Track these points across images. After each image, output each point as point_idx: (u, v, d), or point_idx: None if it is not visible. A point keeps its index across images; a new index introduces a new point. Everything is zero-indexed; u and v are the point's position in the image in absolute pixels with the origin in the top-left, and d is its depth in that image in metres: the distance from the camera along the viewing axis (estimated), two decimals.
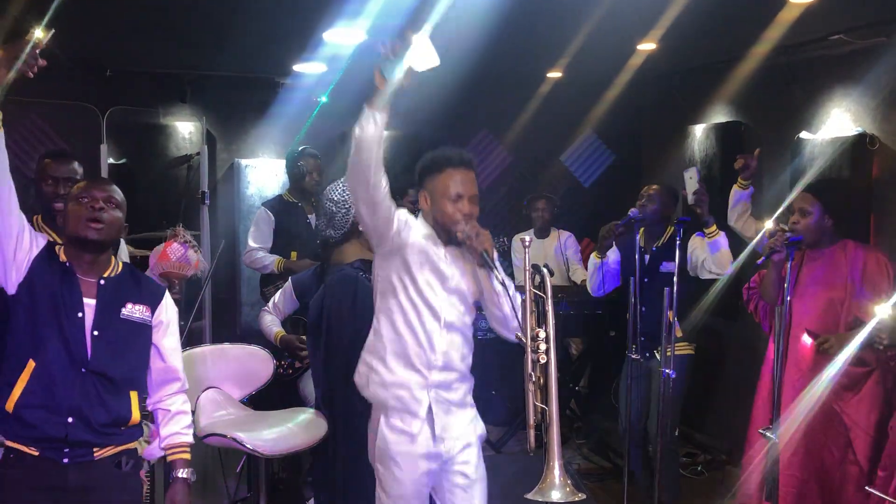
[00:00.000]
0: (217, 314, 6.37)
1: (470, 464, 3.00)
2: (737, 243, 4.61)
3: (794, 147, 5.10)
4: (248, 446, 3.72)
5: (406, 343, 2.92)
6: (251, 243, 5.37)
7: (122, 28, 4.85)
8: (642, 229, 4.56)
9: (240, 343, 4.66)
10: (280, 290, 4.93)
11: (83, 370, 2.66)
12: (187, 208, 5.94)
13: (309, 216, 5.44)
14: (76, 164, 3.70)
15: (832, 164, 4.72)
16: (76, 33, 5.01)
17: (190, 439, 2.99)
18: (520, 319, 2.83)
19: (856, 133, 4.63)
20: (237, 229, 6.45)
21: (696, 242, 4.47)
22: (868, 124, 4.63)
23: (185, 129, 6.42)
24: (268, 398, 4.51)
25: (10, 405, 2.61)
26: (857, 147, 4.60)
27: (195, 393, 4.06)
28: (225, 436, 3.75)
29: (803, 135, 5.04)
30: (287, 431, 3.94)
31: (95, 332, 2.70)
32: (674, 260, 4.18)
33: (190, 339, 4.60)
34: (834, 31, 4.57)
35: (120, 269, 2.85)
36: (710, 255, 4.39)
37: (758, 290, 4.13)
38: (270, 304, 4.90)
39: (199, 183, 6.15)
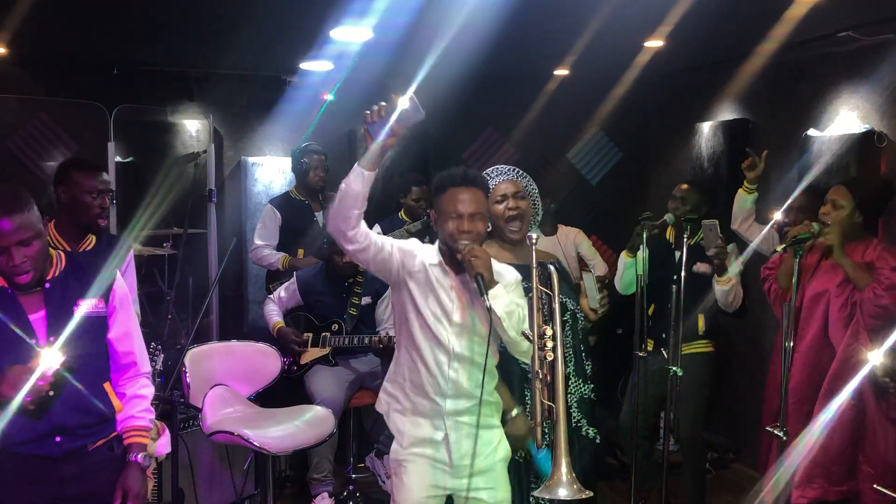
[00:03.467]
0: (224, 311, 6.39)
1: (483, 490, 2.95)
2: (739, 242, 4.62)
3: (801, 144, 5.09)
4: (256, 443, 3.74)
5: (420, 373, 2.92)
6: (257, 241, 5.39)
7: (129, 26, 4.86)
8: (669, 228, 4.54)
9: (247, 340, 4.68)
10: (285, 285, 4.98)
11: (50, 393, 2.55)
12: (194, 206, 5.95)
13: (316, 214, 5.44)
14: (107, 175, 3.71)
15: (839, 162, 4.72)
16: (83, 32, 5.03)
17: (146, 423, 2.91)
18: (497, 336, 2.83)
19: (863, 130, 4.62)
20: (244, 227, 6.45)
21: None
22: (876, 121, 4.61)
23: (192, 127, 6.43)
24: (275, 395, 4.52)
25: None
26: (865, 144, 4.59)
27: (203, 390, 4.08)
28: (232, 433, 3.77)
29: (811, 132, 5.02)
30: (294, 429, 3.96)
31: (52, 338, 2.60)
32: (706, 261, 4.17)
33: (197, 336, 4.61)
34: (841, 28, 4.55)
35: (64, 263, 2.74)
36: (718, 295, 4.37)
37: (775, 271, 4.12)
38: (275, 295, 4.96)
39: (206, 181, 6.16)
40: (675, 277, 4.34)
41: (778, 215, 4.24)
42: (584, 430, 3.23)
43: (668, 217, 4.44)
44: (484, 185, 2.98)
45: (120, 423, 2.86)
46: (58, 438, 2.62)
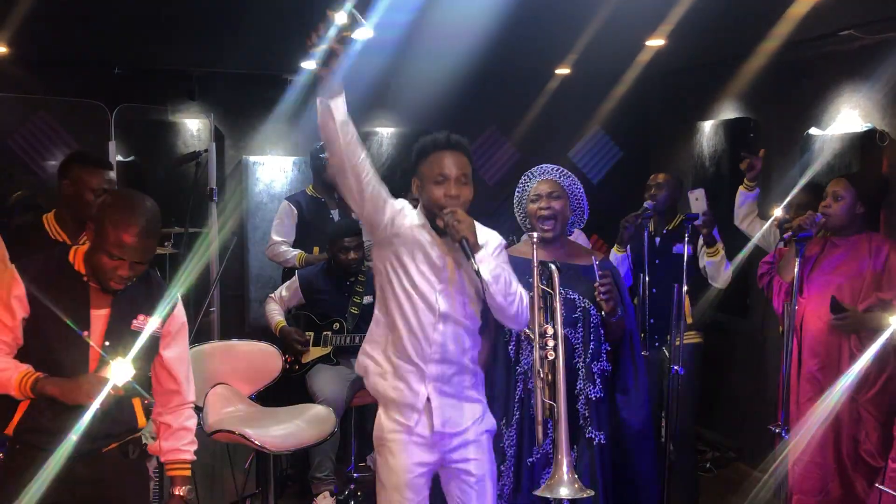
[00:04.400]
0: (225, 310, 6.38)
1: (472, 461, 2.92)
2: (742, 240, 4.62)
3: (803, 143, 5.08)
4: (257, 443, 3.74)
5: (402, 335, 2.86)
6: (274, 237, 5.39)
7: (130, 25, 4.86)
8: (653, 218, 4.59)
9: (248, 339, 4.68)
10: (286, 284, 4.98)
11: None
12: (195, 205, 5.95)
13: (332, 211, 5.43)
14: (112, 173, 3.68)
15: (841, 161, 4.71)
16: (84, 31, 5.03)
17: (191, 456, 2.91)
18: (494, 300, 2.78)
19: (865, 129, 4.61)
20: (245, 226, 6.46)
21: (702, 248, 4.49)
22: (877, 120, 4.61)
23: (194, 126, 6.43)
24: (276, 394, 4.52)
25: (9, 430, 2.59)
26: (867, 143, 4.58)
27: (204, 389, 4.08)
28: (233, 432, 3.76)
29: (812, 131, 5.02)
30: (295, 428, 3.95)
31: (107, 343, 2.64)
32: (684, 242, 4.20)
33: (198, 335, 4.61)
34: (843, 27, 4.55)
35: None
36: (708, 269, 4.44)
37: (775, 265, 4.13)
38: (277, 294, 4.96)
39: (208, 180, 6.16)
40: (656, 262, 4.45)
41: (778, 211, 4.25)
42: (587, 431, 3.20)
43: (647, 205, 4.49)
44: (467, 150, 2.90)
45: (165, 453, 2.87)
46: (74, 437, 2.59)
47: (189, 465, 2.91)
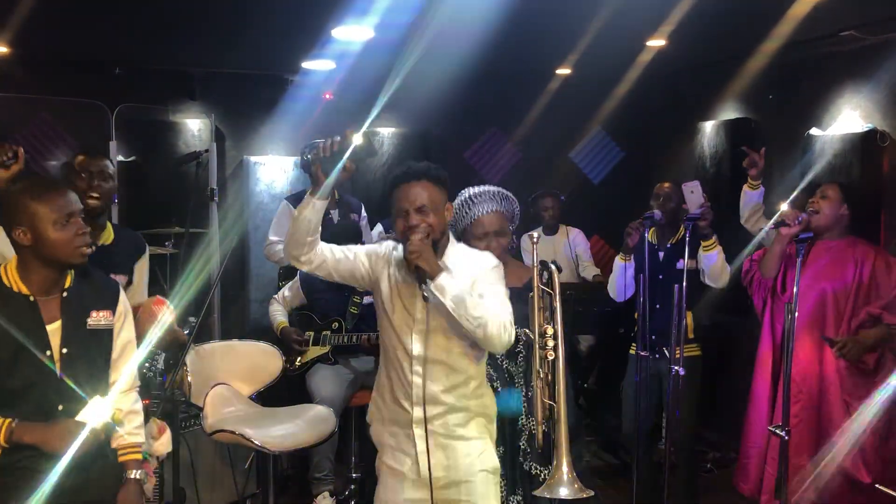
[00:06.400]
0: (225, 311, 6.38)
1: (461, 502, 2.85)
2: (744, 240, 4.60)
3: (804, 144, 5.08)
4: (257, 443, 3.74)
5: (391, 379, 2.88)
6: (271, 237, 5.39)
7: (130, 25, 4.86)
8: (653, 228, 4.54)
9: (249, 339, 4.68)
10: (289, 284, 4.99)
11: (59, 407, 2.57)
12: (196, 205, 5.95)
13: (332, 211, 5.42)
14: (108, 162, 3.66)
15: (842, 161, 4.71)
16: (85, 31, 5.03)
17: (142, 439, 2.88)
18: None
19: (866, 129, 4.61)
20: (246, 226, 6.46)
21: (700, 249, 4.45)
22: (878, 121, 4.60)
23: (194, 126, 6.43)
24: (277, 394, 4.52)
25: None
26: (868, 143, 4.59)
27: (204, 389, 4.08)
28: (233, 432, 3.77)
29: (813, 131, 5.02)
30: (295, 428, 3.96)
31: (64, 350, 2.58)
32: (690, 257, 4.18)
33: (199, 335, 4.59)
34: (844, 28, 4.55)
35: (75, 272, 2.67)
36: (707, 267, 4.36)
37: (759, 263, 4.17)
38: (280, 294, 4.97)
39: (208, 180, 6.16)
40: (660, 277, 4.35)
41: (784, 206, 4.23)
42: (528, 466, 3.17)
43: (656, 215, 4.44)
44: (436, 175, 2.85)
45: (118, 438, 2.81)
46: (53, 479, 2.55)
47: (140, 448, 2.87)
